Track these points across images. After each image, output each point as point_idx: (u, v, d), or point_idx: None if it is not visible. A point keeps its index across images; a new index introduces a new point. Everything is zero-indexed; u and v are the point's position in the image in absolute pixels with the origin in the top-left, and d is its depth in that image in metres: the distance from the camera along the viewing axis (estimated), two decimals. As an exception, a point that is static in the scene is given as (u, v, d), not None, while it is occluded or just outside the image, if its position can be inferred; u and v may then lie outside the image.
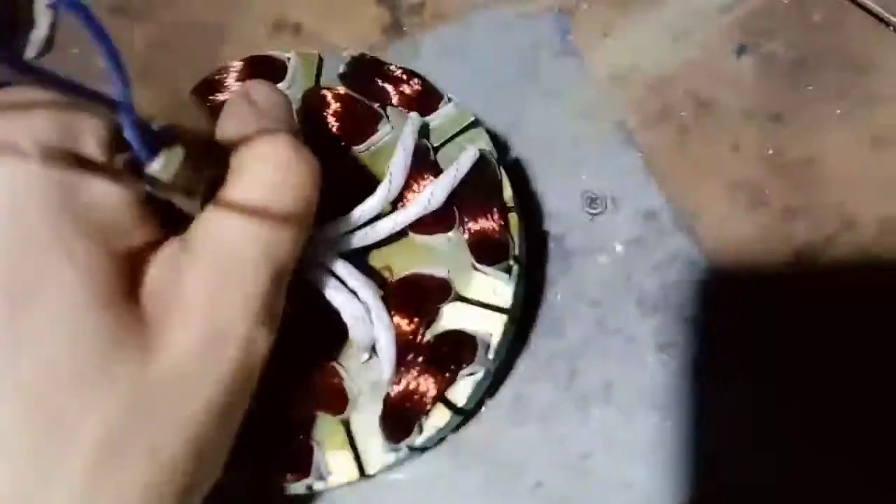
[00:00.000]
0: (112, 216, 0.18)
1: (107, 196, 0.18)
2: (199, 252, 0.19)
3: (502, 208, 0.28)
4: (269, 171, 0.20)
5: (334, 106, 0.30)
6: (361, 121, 0.30)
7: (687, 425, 0.29)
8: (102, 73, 0.17)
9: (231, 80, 0.31)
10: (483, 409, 0.30)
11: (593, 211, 0.32)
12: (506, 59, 0.36)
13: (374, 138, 0.30)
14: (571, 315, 0.31)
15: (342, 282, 0.26)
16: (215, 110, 0.23)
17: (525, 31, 0.36)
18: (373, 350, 0.26)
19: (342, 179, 0.30)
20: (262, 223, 0.19)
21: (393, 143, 0.29)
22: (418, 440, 0.26)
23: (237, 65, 0.31)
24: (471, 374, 0.26)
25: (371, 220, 0.27)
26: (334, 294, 0.25)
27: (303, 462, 0.26)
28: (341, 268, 0.26)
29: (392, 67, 0.30)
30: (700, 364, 0.30)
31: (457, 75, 0.35)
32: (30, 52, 0.41)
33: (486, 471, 0.30)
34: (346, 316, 0.25)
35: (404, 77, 0.30)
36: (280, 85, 0.31)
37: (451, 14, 0.38)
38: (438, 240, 0.28)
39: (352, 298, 0.25)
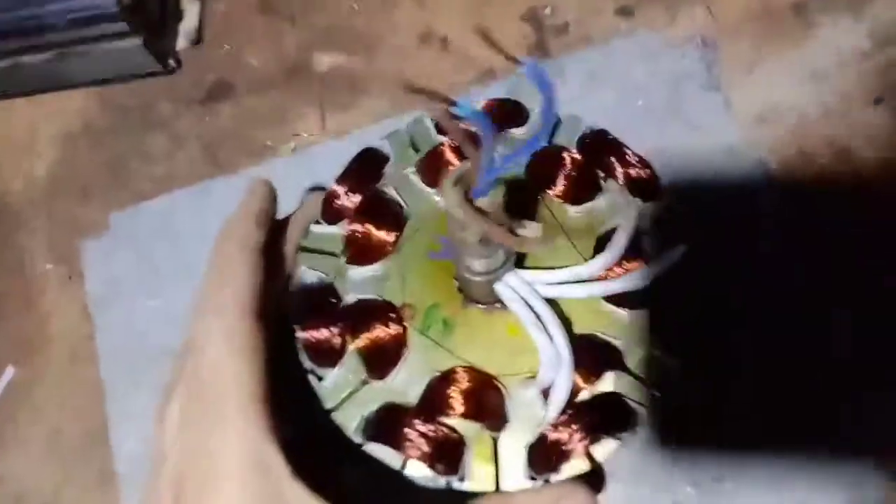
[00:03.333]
0: None
1: None
2: None
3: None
4: None
5: (569, 168, 0.33)
6: (585, 187, 0.33)
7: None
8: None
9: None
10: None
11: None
12: (650, 88, 0.37)
13: (589, 204, 0.33)
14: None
15: (543, 324, 0.29)
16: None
17: (670, 61, 0.38)
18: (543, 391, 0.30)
19: (543, 226, 0.34)
20: None
21: (604, 211, 0.33)
22: (553, 478, 0.29)
23: (483, 102, 0.36)
24: (617, 439, 0.30)
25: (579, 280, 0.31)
26: (536, 333, 0.29)
27: (453, 459, 0.29)
28: (546, 312, 0.29)
29: (629, 152, 0.34)
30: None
31: (601, 100, 0.37)
32: (181, 43, 0.44)
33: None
34: (542, 356, 0.29)
35: (638, 163, 0.33)
36: (519, 130, 0.35)
37: (596, 37, 0.39)
38: (624, 313, 0.31)
39: (550, 343, 0.29)
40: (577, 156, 0.34)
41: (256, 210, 0.31)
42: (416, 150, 0.36)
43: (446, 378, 0.31)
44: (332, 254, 0.34)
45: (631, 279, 0.30)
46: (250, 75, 0.43)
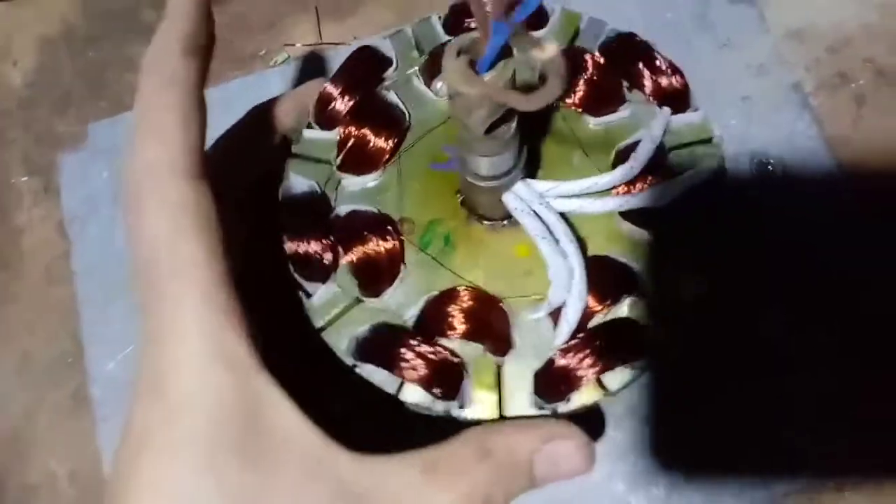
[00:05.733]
0: None
1: None
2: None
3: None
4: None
5: (590, 72, 0.30)
6: (607, 96, 0.30)
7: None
8: None
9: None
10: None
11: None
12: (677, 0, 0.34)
13: (610, 117, 0.30)
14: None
15: (554, 238, 0.26)
16: None
17: (700, -30, 0.33)
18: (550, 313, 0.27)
19: (558, 139, 0.31)
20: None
21: (626, 126, 0.30)
22: (562, 408, 0.27)
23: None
24: (632, 368, 0.27)
25: (596, 192, 0.28)
26: (546, 248, 0.26)
27: (453, 384, 0.27)
28: (558, 225, 0.26)
29: (658, 56, 0.30)
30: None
31: (623, 11, 0.33)
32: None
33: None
34: (551, 273, 0.26)
35: (668, 70, 0.30)
36: (538, 33, 0.32)
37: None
38: (643, 233, 0.29)
39: (561, 258, 0.26)
40: (601, 59, 0.30)
41: (181, 33, 0.23)
42: (421, 52, 0.33)
43: (447, 296, 0.28)
44: (325, 161, 0.31)
45: (652, 195, 0.27)
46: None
